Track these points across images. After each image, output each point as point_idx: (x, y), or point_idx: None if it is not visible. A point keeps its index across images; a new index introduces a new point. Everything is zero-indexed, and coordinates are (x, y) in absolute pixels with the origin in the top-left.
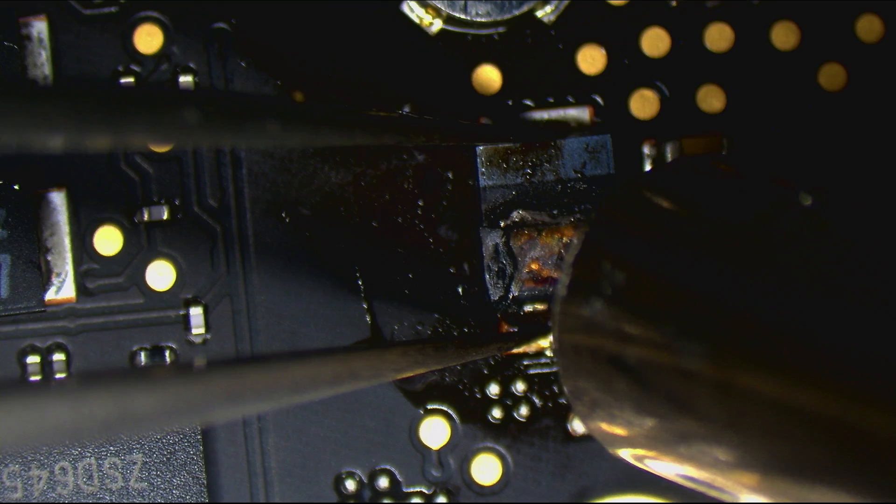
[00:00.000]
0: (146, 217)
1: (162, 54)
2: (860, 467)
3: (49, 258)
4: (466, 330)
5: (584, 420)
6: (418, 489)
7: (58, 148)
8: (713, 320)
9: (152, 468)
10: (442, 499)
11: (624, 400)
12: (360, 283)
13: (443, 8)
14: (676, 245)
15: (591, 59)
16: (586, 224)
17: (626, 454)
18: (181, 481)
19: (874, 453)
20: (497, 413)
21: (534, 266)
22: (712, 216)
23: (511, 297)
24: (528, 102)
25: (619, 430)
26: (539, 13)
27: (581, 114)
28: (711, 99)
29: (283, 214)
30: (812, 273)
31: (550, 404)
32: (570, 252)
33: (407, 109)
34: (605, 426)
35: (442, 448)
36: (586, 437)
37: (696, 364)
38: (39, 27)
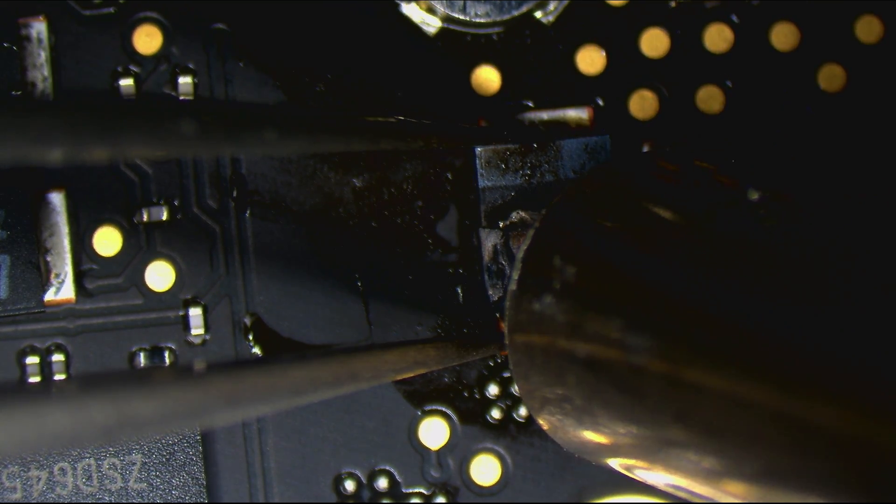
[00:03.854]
0: (145, 218)
1: (161, 55)
2: (824, 468)
3: (48, 259)
4: (466, 330)
5: (535, 416)
6: (417, 490)
7: (56, 161)
8: (661, 315)
9: (151, 469)
10: (441, 499)
11: (575, 395)
12: (359, 283)
13: (442, 8)
14: (625, 240)
15: (590, 60)
16: (537, 220)
17: (579, 451)
18: (180, 482)
19: (834, 452)
20: (496, 414)
21: None
22: (660, 212)
23: None
24: (528, 103)
25: (570, 428)
26: (538, 14)
27: (581, 114)
28: (711, 100)
29: (283, 215)
30: (761, 267)
31: None
32: (520, 248)
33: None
34: (557, 423)
35: (441, 448)
36: None
37: (644, 358)
38: (39, 28)
